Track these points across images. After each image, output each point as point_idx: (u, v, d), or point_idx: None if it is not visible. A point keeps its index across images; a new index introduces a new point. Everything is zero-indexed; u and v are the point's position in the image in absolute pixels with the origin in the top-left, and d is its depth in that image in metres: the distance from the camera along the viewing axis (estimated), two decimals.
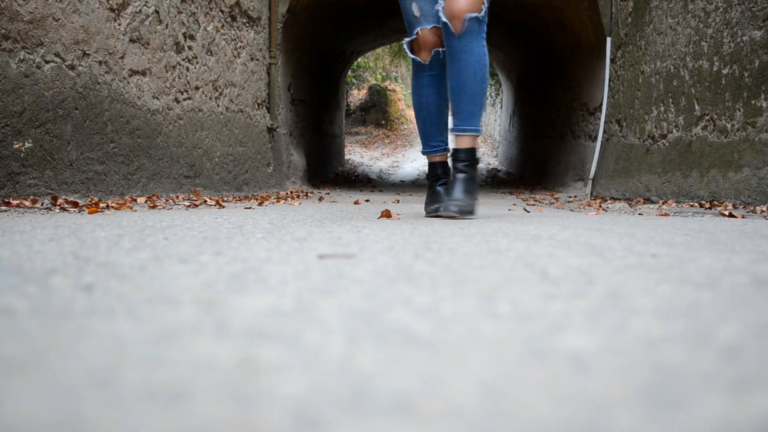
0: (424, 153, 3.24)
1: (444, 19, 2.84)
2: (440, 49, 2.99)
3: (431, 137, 3.16)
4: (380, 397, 0.47)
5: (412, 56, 3.07)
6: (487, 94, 20.93)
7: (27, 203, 3.01)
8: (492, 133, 20.16)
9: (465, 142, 2.95)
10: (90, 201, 3.46)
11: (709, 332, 0.67)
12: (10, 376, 0.50)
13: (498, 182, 11.85)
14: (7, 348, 0.58)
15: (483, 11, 2.83)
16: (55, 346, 0.59)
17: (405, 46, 3.08)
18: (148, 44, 4.52)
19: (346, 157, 15.92)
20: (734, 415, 0.44)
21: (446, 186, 3.03)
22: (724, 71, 4.90)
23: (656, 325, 0.70)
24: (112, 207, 3.21)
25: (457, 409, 0.45)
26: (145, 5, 4.46)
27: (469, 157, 2.94)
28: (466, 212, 2.81)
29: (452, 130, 2.98)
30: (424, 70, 3.06)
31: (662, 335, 0.66)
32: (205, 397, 0.46)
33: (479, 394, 0.48)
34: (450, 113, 3.04)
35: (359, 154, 18.05)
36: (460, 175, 2.91)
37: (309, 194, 6.81)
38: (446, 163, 3.14)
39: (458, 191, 2.86)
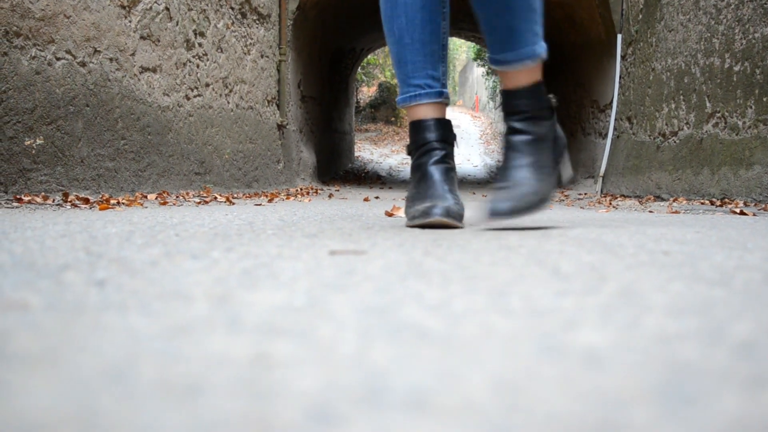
0: (400, 103, 1.96)
1: None
2: None
3: (414, 69, 1.91)
4: (395, 393, 0.47)
5: None
6: (498, 91, 20.87)
7: (38, 199, 3.03)
8: (501, 130, 20.13)
9: (521, 78, 1.85)
10: (101, 197, 3.47)
11: (723, 329, 0.67)
12: (25, 371, 0.50)
13: None
14: (21, 343, 0.59)
15: None
16: (70, 340, 0.60)
17: None
18: (159, 41, 4.53)
19: (356, 154, 15.93)
20: (749, 412, 0.44)
21: (448, 167, 1.91)
22: (736, 68, 4.87)
23: (669, 321, 0.70)
24: (123, 203, 3.22)
25: (472, 404, 0.45)
26: (155, 2, 4.47)
27: (531, 101, 1.85)
28: (530, 208, 1.77)
29: (493, 58, 1.88)
30: None
31: (676, 332, 0.65)
32: (219, 392, 0.46)
33: (494, 390, 0.48)
34: (486, 38, 1.89)
35: (369, 151, 18.05)
36: (519, 138, 1.85)
37: (319, 191, 6.82)
38: (445, 121, 1.95)
39: (520, 171, 1.82)
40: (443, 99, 1.94)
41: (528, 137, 1.83)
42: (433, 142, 1.90)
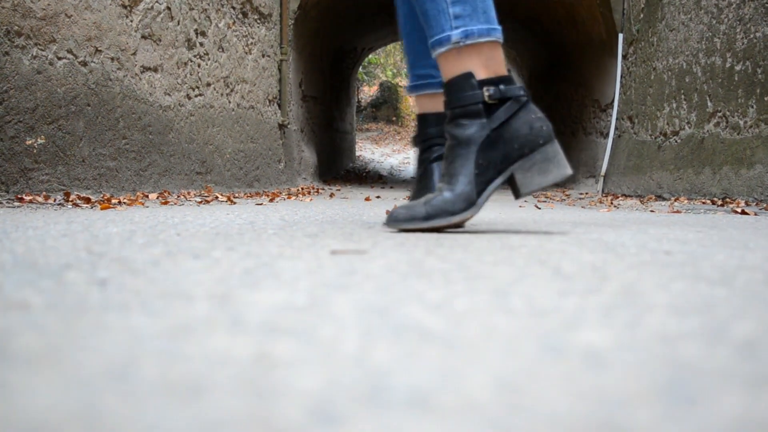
0: (408, 91, 1.98)
1: None
2: None
3: (416, 59, 1.90)
4: (396, 392, 0.47)
5: None
6: None
7: (40, 199, 3.03)
8: None
9: (446, 68, 1.65)
10: (102, 197, 3.48)
11: (725, 328, 0.67)
12: (27, 370, 0.51)
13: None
14: (24, 342, 0.59)
15: None
16: (72, 340, 0.60)
17: None
18: (160, 41, 4.54)
19: (357, 153, 15.93)
20: (751, 411, 0.44)
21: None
22: (737, 68, 4.87)
23: (671, 321, 0.70)
24: (124, 203, 3.22)
25: (473, 404, 0.45)
26: (157, 2, 4.48)
27: (460, 96, 1.62)
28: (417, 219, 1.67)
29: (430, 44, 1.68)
30: None
31: (678, 331, 0.65)
32: (221, 391, 0.46)
33: (496, 389, 0.48)
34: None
35: (370, 151, 18.05)
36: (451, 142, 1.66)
37: (320, 191, 6.82)
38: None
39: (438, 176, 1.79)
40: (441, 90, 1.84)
41: (450, 142, 1.66)
42: (435, 137, 1.85)
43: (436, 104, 1.89)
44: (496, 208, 3.71)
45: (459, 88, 1.61)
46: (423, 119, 1.91)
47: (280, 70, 6.91)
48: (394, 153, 18.12)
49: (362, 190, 7.75)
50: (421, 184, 1.89)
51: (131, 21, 4.19)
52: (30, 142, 3.20)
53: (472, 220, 2.10)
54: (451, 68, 1.62)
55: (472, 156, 1.62)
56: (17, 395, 0.45)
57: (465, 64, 1.61)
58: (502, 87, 1.64)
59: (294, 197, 5.15)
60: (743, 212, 3.47)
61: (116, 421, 0.41)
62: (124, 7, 4.11)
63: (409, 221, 1.66)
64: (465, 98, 1.61)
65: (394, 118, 22.58)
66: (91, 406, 0.43)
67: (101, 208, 2.80)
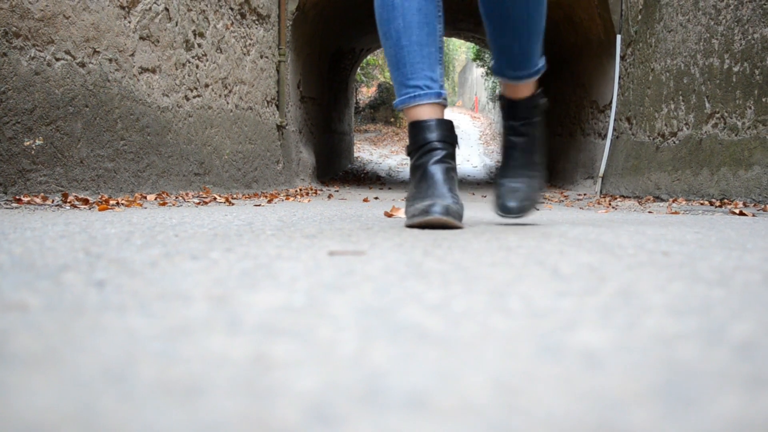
0: (399, 105, 1.97)
1: None
2: None
3: (413, 70, 1.92)
4: (394, 393, 0.47)
5: None
6: (497, 92, 20.88)
7: (38, 200, 3.03)
8: (500, 130, 20.11)
9: (525, 90, 2.07)
10: (100, 198, 3.47)
11: (723, 329, 0.67)
12: (24, 371, 0.50)
13: None
14: (21, 343, 0.58)
15: None
16: (69, 341, 0.60)
17: None
18: (158, 42, 4.53)
19: (355, 154, 15.93)
20: (749, 412, 0.44)
21: (449, 167, 1.91)
22: (735, 69, 4.87)
23: (669, 322, 0.70)
24: (122, 204, 3.22)
25: (471, 405, 0.45)
26: (155, 3, 4.47)
27: (530, 108, 2.08)
28: (525, 210, 2.04)
29: (501, 74, 2.06)
30: None
31: (675, 332, 0.65)
32: (219, 393, 0.46)
33: (493, 391, 0.48)
34: (493, 52, 2.05)
35: (368, 152, 18.06)
36: (517, 140, 2.08)
37: (318, 192, 6.82)
38: (446, 121, 1.95)
39: (519, 171, 2.06)
40: (442, 100, 1.94)
41: (525, 138, 2.06)
42: (434, 141, 1.89)
43: (434, 112, 1.94)
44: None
45: (533, 101, 2.08)
46: (420, 126, 1.93)
47: (278, 71, 6.91)
48: (392, 154, 18.12)
49: (360, 191, 7.75)
50: (420, 185, 1.91)
51: (129, 22, 4.19)
52: (28, 143, 3.20)
53: (470, 221, 2.20)
54: (529, 90, 2.07)
55: (541, 147, 2.13)
56: (14, 396, 0.45)
57: (536, 86, 2.09)
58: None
59: (292, 198, 5.15)
60: (741, 213, 3.48)
61: (113, 423, 0.41)
62: (122, 8, 4.11)
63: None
64: (537, 108, 2.09)
65: (392, 120, 22.58)
66: (89, 407, 0.43)
67: (99, 210, 2.80)
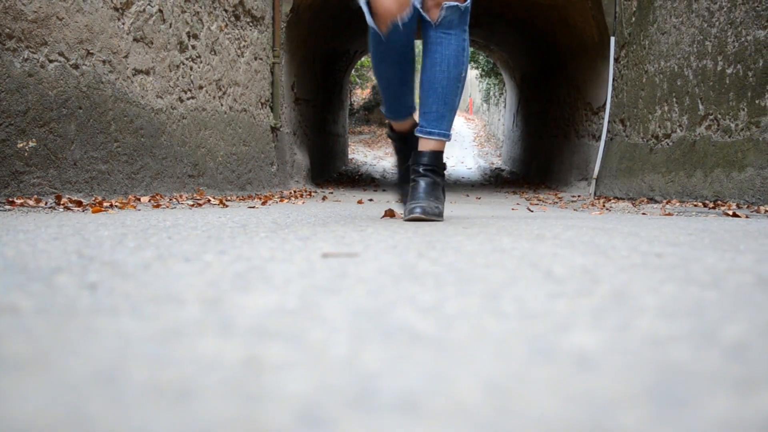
0: (405, 115, 2.73)
1: (417, 5, 2.41)
2: (400, 21, 2.35)
3: (398, 100, 2.68)
4: (386, 396, 0.47)
5: (371, 23, 2.41)
6: (491, 93, 20.90)
7: (31, 202, 3.02)
8: (495, 132, 20.14)
9: (430, 145, 2.55)
10: (94, 200, 3.47)
11: (715, 331, 0.67)
12: (15, 375, 0.50)
13: (501, 182, 11.84)
14: (12, 346, 0.58)
15: (467, 1, 2.43)
16: (60, 344, 0.59)
17: (362, 4, 2.38)
18: (152, 43, 4.53)
19: (350, 156, 15.93)
20: (740, 414, 0.44)
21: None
22: (729, 71, 4.89)
23: (662, 324, 0.70)
24: (116, 206, 3.21)
25: (463, 407, 0.45)
26: (148, 4, 4.47)
27: (433, 161, 2.54)
28: (432, 214, 2.43)
29: (417, 131, 2.57)
30: (381, 43, 2.47)
31: (668, 334, 0.65)
32: (210, 396, 0.46)
33: (485, 393, 0.48)
34: (418, 110, 2.63)
35: (363, 154, 18.05)
36: (422, 180, 2.52)
37: (312, 193, 6.82)
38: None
39: (421, 192, 2.49)
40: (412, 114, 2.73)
41: (428, 179, 2.53)
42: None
43: (410, 122, 2.73)
44: (488, 211, 3.72)
45: (438, 157, 2.58)
46: (402, 137, 2.77)
47: (272, 72, 6.91)
48: (386, 156, 18.12)
49: (355, 192, 7.75)
50: (413, 191, 2.55)
51: (123, 24, 4.18)
52: (21, 145, 3.19)
53: (464, 222, 2.35)
54: (436, 146, 2.57)
55: (441, 192, 2.63)
56: (5, 400, 0.44)
57: (442, 146, 2.59)
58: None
59: (286, 200, 5.14)
60: (734, 215, 3.48)
61: (105, 426, 0.40)
62: (116, 9, 4.11)
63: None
64: (441, 163, 2.59)
65: (386, 121, 22.58)
66: (80, 410, 0.43)
67: (93, 212, 2.80)
